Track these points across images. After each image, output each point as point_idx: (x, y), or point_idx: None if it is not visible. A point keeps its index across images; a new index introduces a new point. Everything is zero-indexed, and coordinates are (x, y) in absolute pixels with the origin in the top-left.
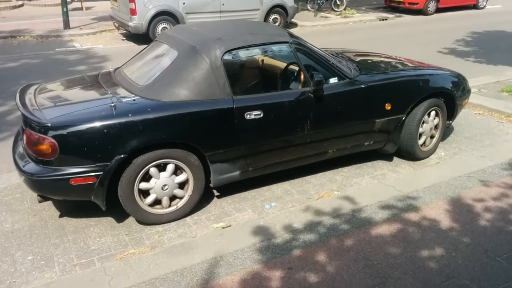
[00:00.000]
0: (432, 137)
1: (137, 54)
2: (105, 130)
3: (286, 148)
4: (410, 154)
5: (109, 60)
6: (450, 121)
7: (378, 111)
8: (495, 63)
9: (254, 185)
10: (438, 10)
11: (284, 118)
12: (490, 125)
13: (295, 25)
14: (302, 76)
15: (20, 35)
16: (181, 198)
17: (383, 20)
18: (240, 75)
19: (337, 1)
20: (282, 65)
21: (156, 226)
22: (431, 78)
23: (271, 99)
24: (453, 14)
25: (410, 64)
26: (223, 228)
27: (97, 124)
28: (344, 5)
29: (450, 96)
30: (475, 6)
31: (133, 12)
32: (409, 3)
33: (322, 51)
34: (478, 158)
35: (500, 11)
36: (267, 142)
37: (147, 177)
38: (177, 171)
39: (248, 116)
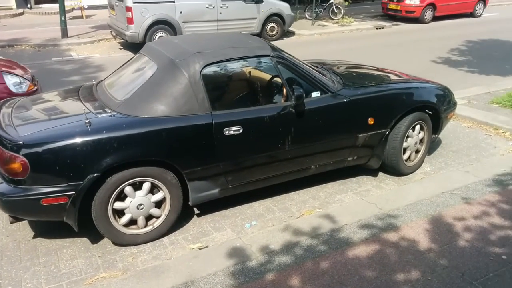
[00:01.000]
0: (417, 151)
1: (120, 67)
2: (77, 148)
3: (267, 164)
4: (395, 169)
5: (104, 69)
6: (436, 135)
7: (361, 126)
8: (488, 72)
9: (235, 202)
10: (435, 18)
11: (264, 133)
12: (478, 138)
13: (292, 33)
14: (283, 90)
15: (18, 44)
16: (157, 217)
17: (380, 28)
18: (219, 89)
19: (335, 10)
20: (263, 79)
21: (132, 247)
22: (415, 92)
23: (251, 114)
24: (450, 22)
25: (395, 77)
26: (199, 249)
27: (70, 141)
28: (342, 14)
29: (434, 110)
30: (471, 14)
31: (130, 21)
32: (406, 12)
33: (305, 64)
34: (462, 173)
35: (497, 19)
36: (247, 158)
37: (122, 196)
38: (153, 189)
39: (227, 132)
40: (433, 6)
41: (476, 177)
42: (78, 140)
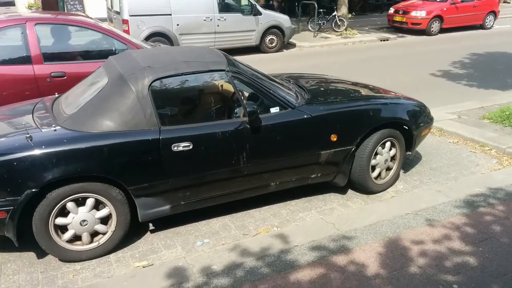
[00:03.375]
0: (389, 169)
1: (82, 80)
2: (15, 163)
3: (221, 181)
4: (363, 187)
5: None
6: (410, 152)
7: (323, 143)
8: (487, 86)
9: (193, 218)
10: (443, 31)
11: (217, 150)
12: (462, 155)
13: (293, 45)
14: (238, 106)
15: None
16: (104, 234)
17: (384, 40)
18: (170, 104)
19: (338, 22)
20: (217, 94)
21: (76, 263)
22: (383, 108)
23: (202, 130)
24: (458, 35)
25: (369, 92)
26: (143, 267)
27: (8, 157)
28: (345, 26)
29: (405, 126)
30: (481, 27)
31: (126, 33)
32: (412, 24)
33: (265, 79)
34: (433, 193)
35: (508, 32)
36: (198, 175)
37: (65, 212)
38: (99, 205)
39: (175, 148)
40: (440, 18)
41: (447, 197)
42: (16, 155)
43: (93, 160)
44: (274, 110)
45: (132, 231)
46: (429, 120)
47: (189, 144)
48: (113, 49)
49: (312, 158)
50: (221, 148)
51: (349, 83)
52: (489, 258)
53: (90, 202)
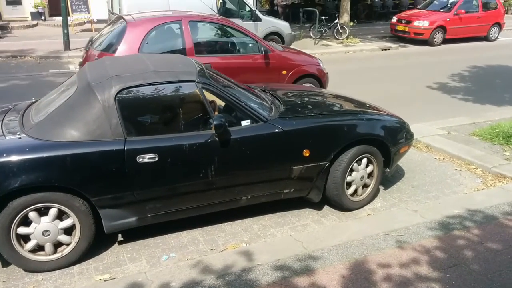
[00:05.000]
0: (366, 186)
1: (57, 87)
2: None
3: (189, 194)
4: (338, 204)
5: None
6: (388, 170)
7: (295, 158)
8: (483, 101)
9: (163, 230)
10: (446, 41)
11: (183, 162)
12: (446, 173)
13: None
14: (207, 118)
15: (22, 55)
16: (67, 244)
17: (385, 50)
18: (137, 115)
19: (340, 30)
20: (187, 105)
21: (38, 274)
22: (359, 124)
23: (168, 141)
24: (461, 46)
25: (347, 107)
26: (104, 280)
27: None
28: (347, 33)
29: (382, 143)
30: (486, 38)
31: None
32: (415, 34)
33: (241, 90)
34: (409, 213)
35: None
36: (165, 187)
37: (28, 221)
38: (63, 215)
39: (140, 160)
40: (443, 28)
41: (422, 218)
42: None
43: (55, 170)
44: (245, 123)
45: (99, 242)
46: (409, 136)
47: (154, 156)
48: (250, 44)
49: (284, 173)
50: (189, 160)
51: (331, 96)
52: (456, 285)
53: (52, 212)
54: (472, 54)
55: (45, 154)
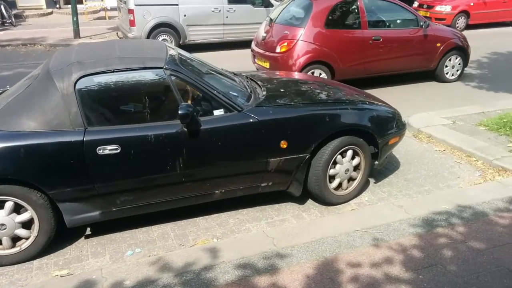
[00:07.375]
0: (352, 179)
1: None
2: None
3: (156, 187)
4: (320, 198)
5: None
6: (377, 162)
7: (271, 150)
8: (497, 89)
9: (134, 224)
10: (469, 27)
11: (148, 154)
12: (445, 165)
13: None
14: (176, 108)
15: (33, 43)
16: (26, 238)
17: None
18: (98, 104)
19: None
20: (154, 94)
21: None
22: (342, 114)
23: (131, 132)
24: (485, 32)
25: (334, 96)
26: (61, 276)
27: None
28: None
29: (368, 134)
30: None
31: (132, 23)
32: (436, 19)
33: (217, 78)
34: (394, 208)
35: None
36: (128, 181)
37: None
38: (21, 208)
39: (101, 151)
40: (466, 13)
41: (406, 214)
42: None
43: (8, 162)
44: (218, 112)
45: (65, 236)
46: (401, 126)
47: (116, 147)
48: (412, 19)
49: (260, 165)
50: (154, 152)
51: (320, 84)
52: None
53: (8, 205)
54: (494, 41)
55: None
